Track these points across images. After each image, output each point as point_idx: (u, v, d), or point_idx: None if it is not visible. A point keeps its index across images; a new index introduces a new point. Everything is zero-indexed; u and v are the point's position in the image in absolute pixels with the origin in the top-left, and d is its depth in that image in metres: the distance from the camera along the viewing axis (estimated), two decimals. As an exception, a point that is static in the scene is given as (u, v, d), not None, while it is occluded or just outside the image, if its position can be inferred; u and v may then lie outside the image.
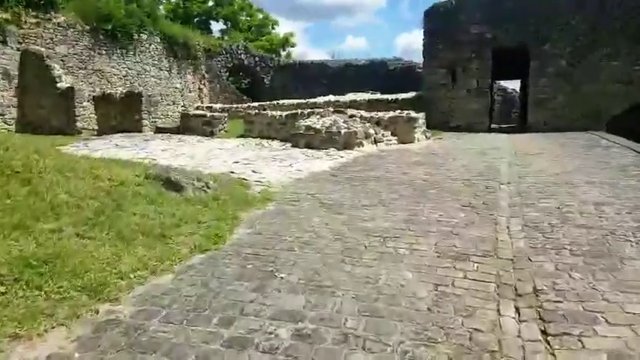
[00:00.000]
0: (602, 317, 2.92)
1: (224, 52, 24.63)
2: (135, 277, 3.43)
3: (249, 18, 38.35)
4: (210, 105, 21.31)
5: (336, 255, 4.05)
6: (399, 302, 3.16)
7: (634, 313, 2.95)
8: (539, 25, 16.23)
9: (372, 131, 11.95)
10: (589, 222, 4.93)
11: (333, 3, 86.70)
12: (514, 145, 11.90)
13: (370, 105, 17.10)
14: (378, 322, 2.89)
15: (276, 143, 12.37)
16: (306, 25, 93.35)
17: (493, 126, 18.93)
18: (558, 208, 5.55)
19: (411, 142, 12.35)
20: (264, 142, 12.74)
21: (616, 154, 9.62)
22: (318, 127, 11.67)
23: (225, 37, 33.45)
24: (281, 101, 20.22)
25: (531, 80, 16.83)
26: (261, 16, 38.63)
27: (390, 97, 18.14)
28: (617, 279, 3.47)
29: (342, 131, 11.34)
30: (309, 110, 14.01)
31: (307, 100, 19.52)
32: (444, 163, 9.14)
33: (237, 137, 13.80)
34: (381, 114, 13.39)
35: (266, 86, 26.77)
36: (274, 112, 14.73)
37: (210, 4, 36.17)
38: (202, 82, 23.04)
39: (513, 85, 26.53)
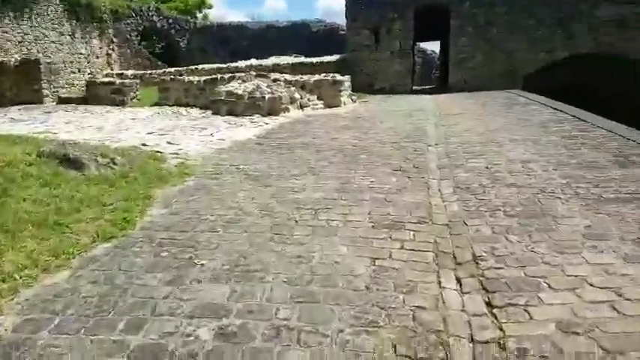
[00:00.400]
0: (545, 283, 2.80)
1: (134, 15, 22.78)
2: (21, 277, 2.83)
3: (160, -23, 35.65)
4: (120, 72, 19.67)
5: (265, 233, 3.67)
6: (336, 282, 2.86)
7: (575, 276, 2.86)
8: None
9: (297, 96, 11.50)
10: (518, 181, 4.91)
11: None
12: (437, 106, 11.98)
13: (294, 68, 16.60)
14: (313, 308, 2.58)
15: (195, 111, 11.56)
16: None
17: (415, 87, 19.12)
18: (487, 167, 5.52)
19: (338, 106, 12.07)
20: (182, 110, 11.87)
21: (535, 112, 9.90)
22: (240, 92, 11.02)
23: (135, -2, 30.88)
24: (200, 66, 19.08)
25: (452, 40, 17.03)
26: (173, -25, 36.01)
27: (314, 60, 17.70)
28: (554, 239, 3.39)
29: (267, 96, 10.79)
30: (230, 75, 13.24)
31: (228, 64, 18.55)
32: (372, 126, 8.95)
33: (152, 106, 12.76)
34: (305, 77, 12.94)
35: (182, 50, 25.18)
36: (192, 78, 13.77)
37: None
38: (110, 47, 21.14)
39: (432, 46, 26.96)
